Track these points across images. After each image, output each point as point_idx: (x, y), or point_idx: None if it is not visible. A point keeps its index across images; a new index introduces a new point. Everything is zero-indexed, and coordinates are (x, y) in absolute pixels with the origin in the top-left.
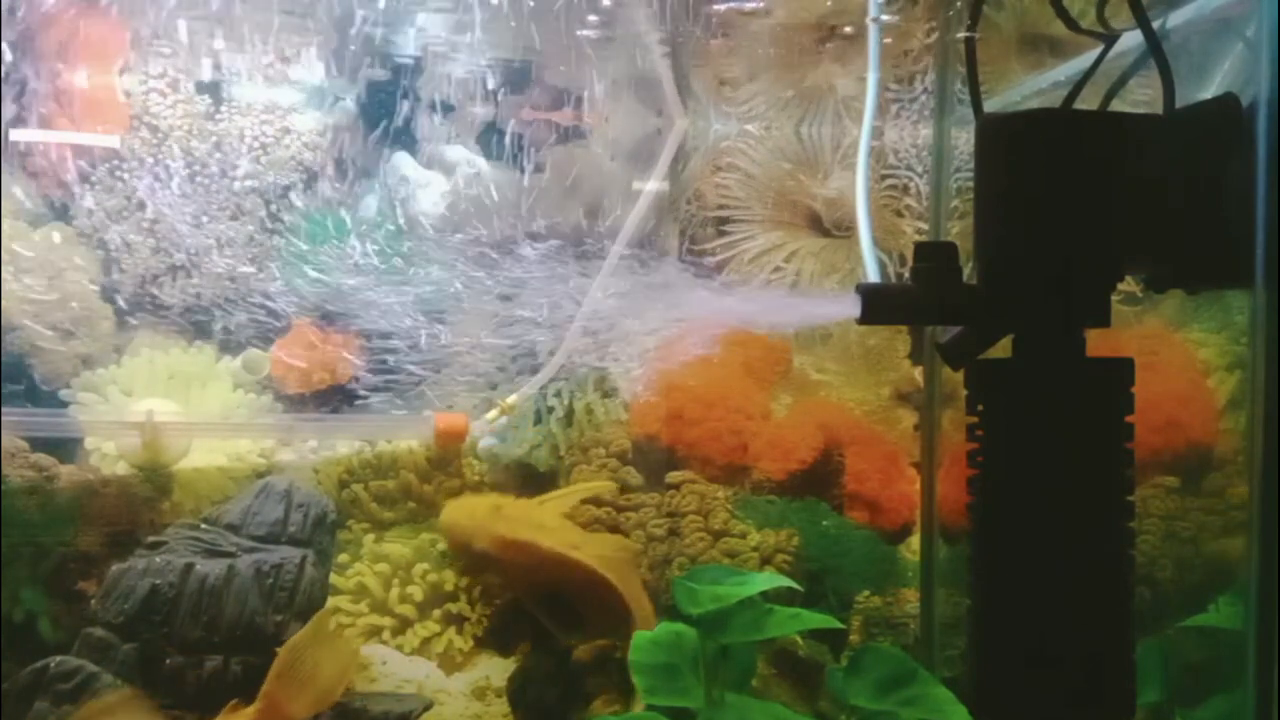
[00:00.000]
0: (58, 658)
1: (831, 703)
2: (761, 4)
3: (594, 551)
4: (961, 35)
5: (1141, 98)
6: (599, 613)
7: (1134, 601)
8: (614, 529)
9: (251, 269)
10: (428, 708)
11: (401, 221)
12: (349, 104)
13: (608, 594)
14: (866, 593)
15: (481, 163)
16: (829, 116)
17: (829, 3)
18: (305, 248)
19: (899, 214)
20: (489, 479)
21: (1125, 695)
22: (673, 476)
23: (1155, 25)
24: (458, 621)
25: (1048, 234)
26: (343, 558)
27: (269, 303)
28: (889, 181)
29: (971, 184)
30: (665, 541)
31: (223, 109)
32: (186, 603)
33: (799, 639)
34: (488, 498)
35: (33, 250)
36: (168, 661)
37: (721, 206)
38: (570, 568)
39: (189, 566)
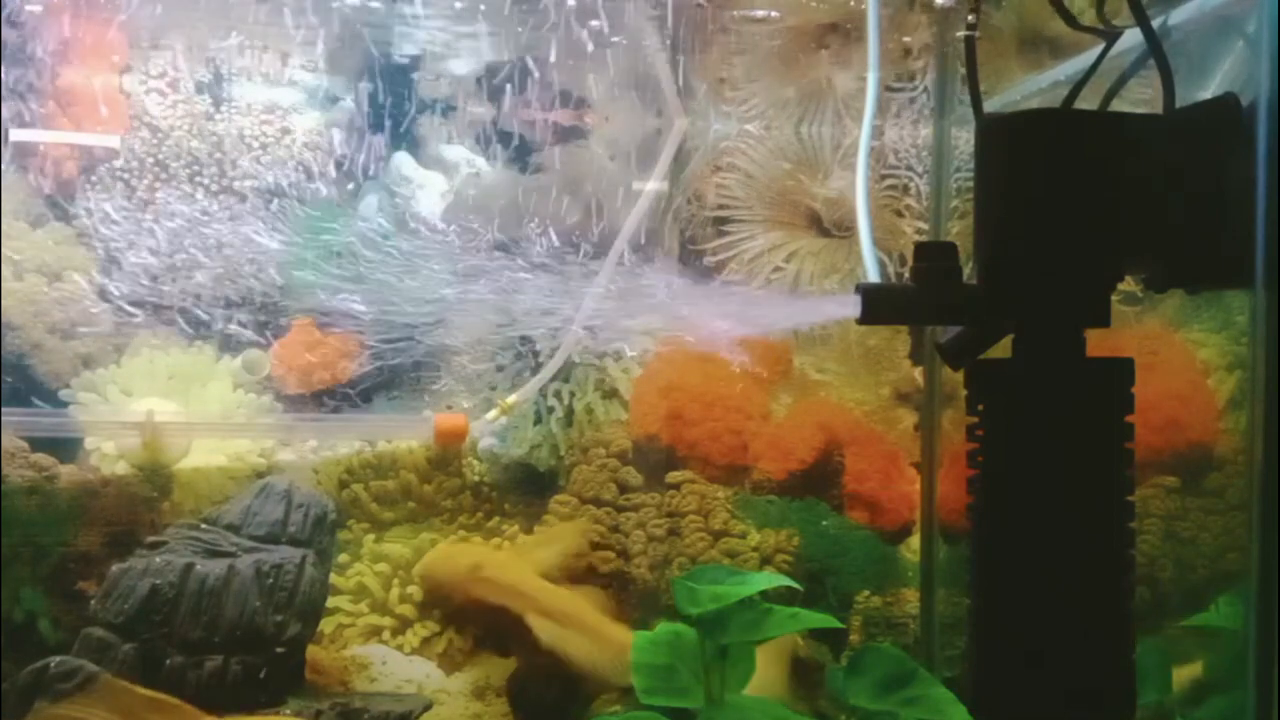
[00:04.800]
0: (58, 658)
1: (831, 703)
2: (774, 13)
3: (567, 609)
4: (961, 35)
5: (1142, 98)
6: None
7: (1134, 601)
8: (614, 529)
9: (251, 268)
10: (428, 708)
11: (401, 221)
12: (349, 104)
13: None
14: (866, 593)
15: (481, 163)
16: (829, 116)
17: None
18: (305, 247)
19: (899, 214)
20: (489, 479)
21: (1125, 695)
22: (673, 476)
23: (1155, 24)
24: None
25: (1048, 234)
26: (343, 558)
27: (269, 302)
28: (889, 181)
29: (971, 184)
30: (665, 541)
31: (223, 109)
32: (186, 603)
33: (799, 639)
34: (470, 552)
35: (33, 250)
36: (168, 661)
37: (721, 206)
38: (533, 633)
39: (189, 566)
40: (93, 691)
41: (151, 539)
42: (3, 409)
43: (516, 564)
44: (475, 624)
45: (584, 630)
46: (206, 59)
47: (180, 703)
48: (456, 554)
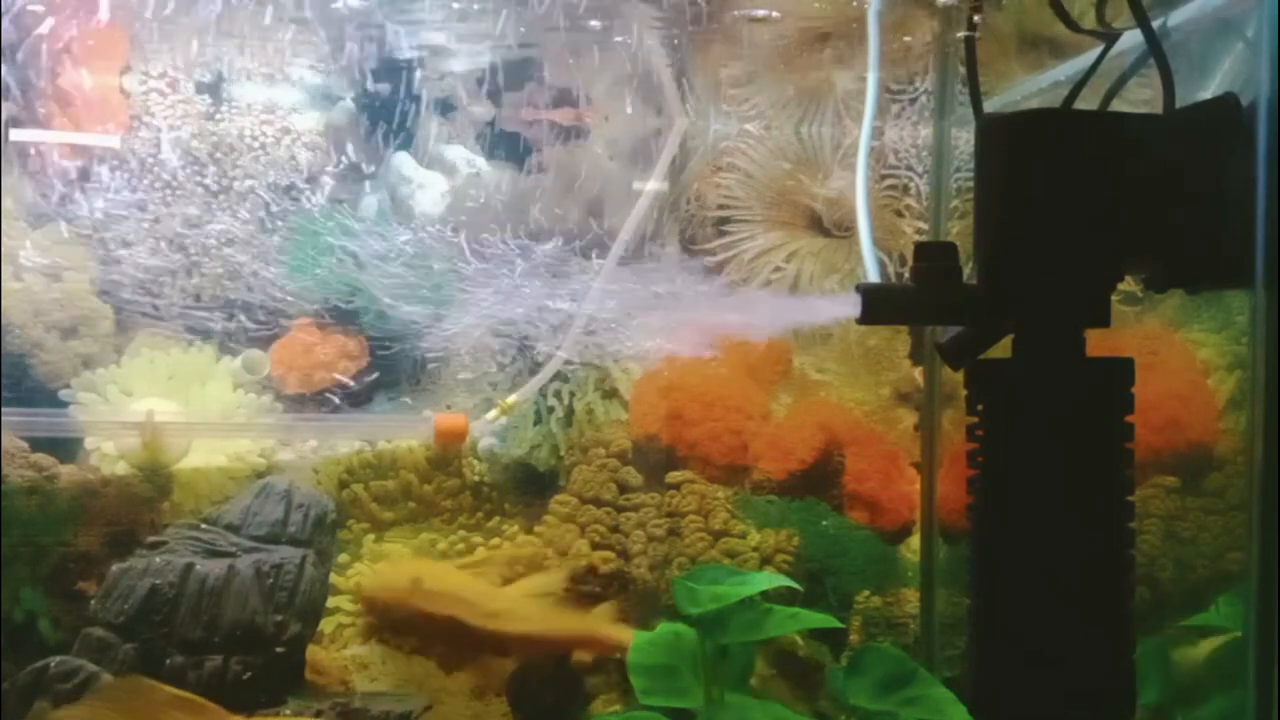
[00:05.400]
0: (58, 658)
1: (831, 703)
2: (774, 13)
3: (516, 606)
4: (961, 35)
5: (1142, 98)
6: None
7: (1134, 601)
8: (614, 529)
9: (251, 269)
10: (428, 708)
11: (401, 221)
12: (349, 104)
13: (530, 644)
14: (866, 593)
15: (481, 163)
16: (829, 116)
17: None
18: (305, 247)
19: (899, 214)
20: (489, 479)
21: (1125, 695)
22: (673, 476)
23: (1155, 25)
24: None
25: (1048, 234)
26: (343, 558)
27: (269, 302)
28: (889, 181)
29: (971, 184)
30: (665, 541)
31: (223, 109)
32: (186, 603)
33: (799, 639)
34: (406, 567)
35: (33, 250)
36: (168, 661)
37: (721, 206)
38: (488, 636)
39: (189, 566)
40: (120, 688)
41: (151, 539)
42: (3, 409)
43: (455, 573)
44: (422, 635)
45: (538, 623)
46: (207, 59)
47: (206, 702)
48: (393, 572)
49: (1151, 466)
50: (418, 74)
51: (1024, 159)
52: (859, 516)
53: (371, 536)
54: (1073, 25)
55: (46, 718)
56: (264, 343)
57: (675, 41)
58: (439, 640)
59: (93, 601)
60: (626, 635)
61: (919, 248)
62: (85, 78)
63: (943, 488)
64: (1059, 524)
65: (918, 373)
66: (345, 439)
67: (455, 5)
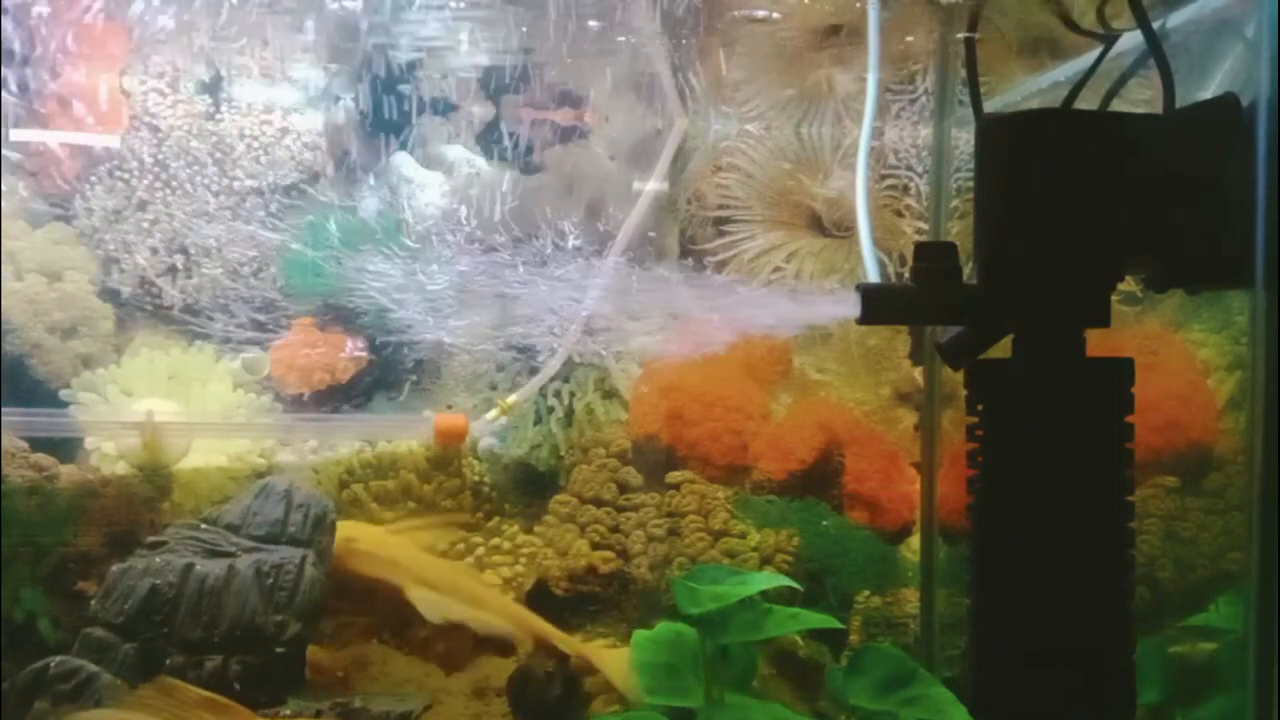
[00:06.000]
0: (58, 658)
1: (831, 703)
2: (774, 14)
3: (446, 577)
4: (962, 35)
5: (1142, 98)
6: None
7: (1134, 601)
8: (614, 529)
9: (251, 269)
10: (428, 707)
11: (401, 221)
12: (349, 104)
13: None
14: (866, 593)
15: (481, 163)
16: (829, 116)
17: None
18: (305, 247)
19: (899, 214)
20: (489, 479)
21: (1125, 695)
22: (673, 476)
23: (1155, 25)
24: None
25: (1048, 234)
26: None
27: (269, 302)
28: (889, 181)
29: (971, 184)
30: (665, 541)
31: (223, 109)
32: (186, 603)
33: (799, 639)
34: (343, 527)
35: (33, 250)
36: (168, 661)
37: (721, 206)
38: (415, 610)
39: (189, 566)
40: (149, 690)
41: (151, 539)
42: (2, 409)
43: (392, 538)
44: (355, 600)
45: (467, 598)
46: (206, 59)
47: (231, 703)
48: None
49: (1151, 466)
50: (418, 73)
51: (1024, 159)
52: (859, 516)
53: None
54: (1073, 25)
55: (72, 719)
56: (264, 343)
57: (676, 42)
58: (373, 607)
59: (93, 601)
60: (561, 639)
61: (919, 248)
62: (85, 78)
63: (943, 488)
64: (1059, 524)
65: (918, 373)
66: (345, 439)
67: (454, 5)
